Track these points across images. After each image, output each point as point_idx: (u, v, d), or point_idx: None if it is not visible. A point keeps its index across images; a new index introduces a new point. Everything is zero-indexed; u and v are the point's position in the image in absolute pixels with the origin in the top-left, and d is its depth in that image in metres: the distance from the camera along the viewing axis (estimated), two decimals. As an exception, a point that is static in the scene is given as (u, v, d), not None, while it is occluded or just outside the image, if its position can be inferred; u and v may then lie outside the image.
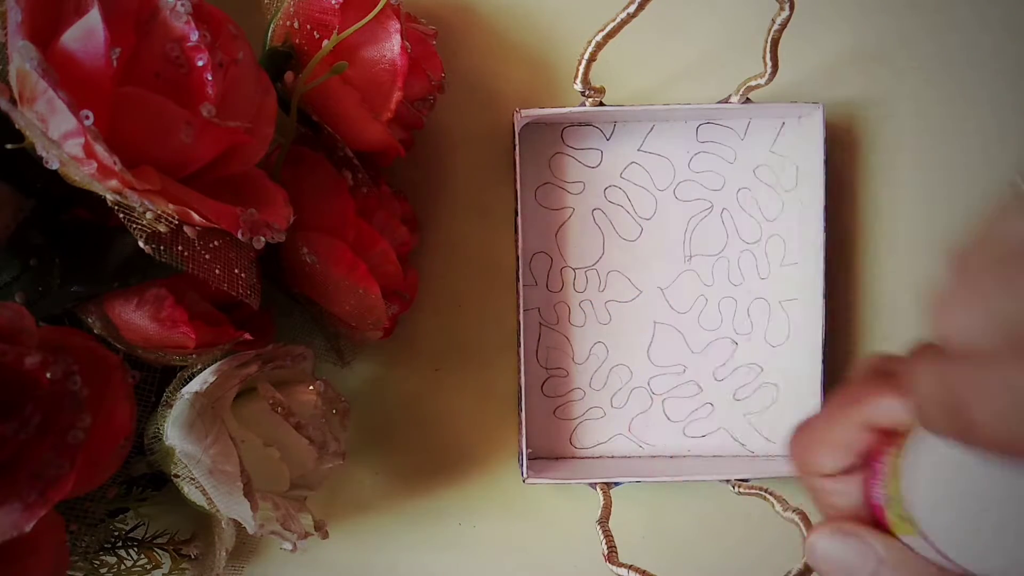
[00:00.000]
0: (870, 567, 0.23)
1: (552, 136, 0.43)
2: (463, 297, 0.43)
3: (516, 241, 0.41)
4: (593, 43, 0.35)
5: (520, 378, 0.40)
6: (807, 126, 0.42)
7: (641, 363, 0.43)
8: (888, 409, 0.22)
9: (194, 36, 0.27)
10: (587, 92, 0.38)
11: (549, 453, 0.43)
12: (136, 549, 0.34)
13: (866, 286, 0.43)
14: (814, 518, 0.36)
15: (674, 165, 0.43)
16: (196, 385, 0.30)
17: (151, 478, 0.32)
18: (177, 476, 0.30)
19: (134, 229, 0.26)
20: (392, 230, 0.38)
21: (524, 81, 0.43)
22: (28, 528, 0.23)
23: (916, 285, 0.43)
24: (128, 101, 0.25)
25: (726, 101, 0.41)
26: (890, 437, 0.23)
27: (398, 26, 0.33)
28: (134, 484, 0.32)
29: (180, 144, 0.26)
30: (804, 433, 0.25)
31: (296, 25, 0.34)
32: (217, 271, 0.28)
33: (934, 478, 0.20)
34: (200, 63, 0.27)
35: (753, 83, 0.38)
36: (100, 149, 0.24)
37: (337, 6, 0.33)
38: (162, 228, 0.26)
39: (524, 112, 0.39)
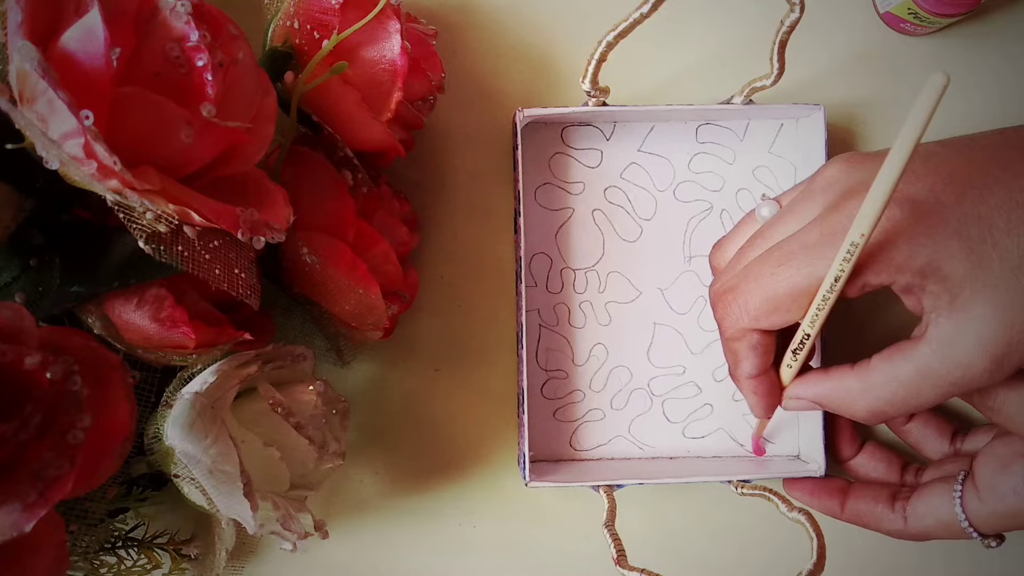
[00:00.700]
0: None
1: (552, 136, 0.43)
2: (463, 297, 0.43)
3: (516, 242, 0.41)
4: (604, 43, 0.35)
5: (522, 381, 0.40)
6: (806, 127, 0.42)
7: (641, 364, 0.43)
8: None
9: (194, 36, 0.27)
10: (594, 92, 0.38)
11: (549, 455, 0.43)
12: (136, 549, 0.34)
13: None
14: (819, 519, 0.36)
15: (674, 166, 0.43)
16: (196, 385, 0.30)
17: (151, 478, 0.32)
18: (177, 476, 0.30)
19: (134, 229, 0.26)
20: (392, 230, 0.38)
21: (524, 81, 0.43)
22: (28, 528, 0.23)
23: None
24: (128, 101, 0.25)
25: (728, 102, 0.41)
26: None
27: (398, 26, 0.34)
28: (134, 484, 0.32)
29: (180, 144, 0.26)
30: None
31: (296, 25, 0.34)
32: (217, 271, 0.28)
33: None
34: (200, 63, 0.27)
35: (758, 84, 0.38)
36: (100, 149, 0.24)
37: (337, 6, 0.33)
38: (162, 228, 0.26)
39: (527, 111, 0.39)
